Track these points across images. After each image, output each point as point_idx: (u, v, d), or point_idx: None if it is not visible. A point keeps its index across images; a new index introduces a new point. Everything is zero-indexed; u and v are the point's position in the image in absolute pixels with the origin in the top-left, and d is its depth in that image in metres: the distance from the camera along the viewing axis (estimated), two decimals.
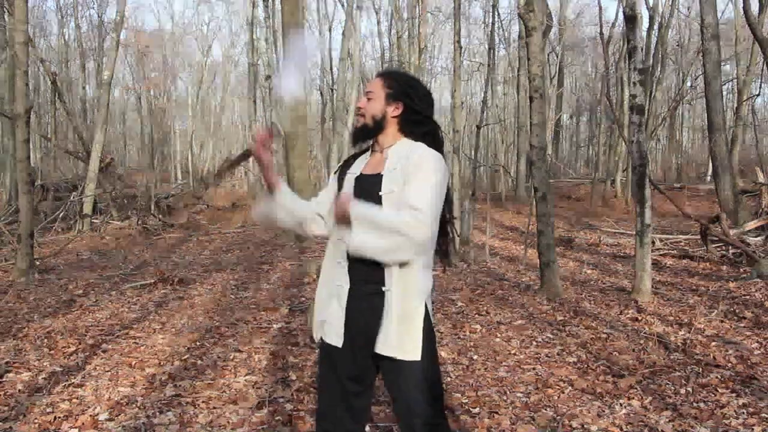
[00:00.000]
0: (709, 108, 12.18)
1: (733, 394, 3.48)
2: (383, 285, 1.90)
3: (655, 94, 18.35)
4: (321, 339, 2.04)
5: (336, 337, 1.98)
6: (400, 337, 1.90)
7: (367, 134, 2.05)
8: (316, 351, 2.15)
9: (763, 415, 3.18)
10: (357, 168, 2.08)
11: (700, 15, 12.53)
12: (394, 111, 2.01)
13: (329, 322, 2.01)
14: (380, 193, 1.94)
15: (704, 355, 4.20)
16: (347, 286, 1.97)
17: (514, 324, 5.31)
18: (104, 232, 12.80)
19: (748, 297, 5.98)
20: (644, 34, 17.66)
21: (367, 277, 1.94)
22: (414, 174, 1.90)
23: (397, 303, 1.89)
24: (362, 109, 2.04)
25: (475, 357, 4.34)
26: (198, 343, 4.75)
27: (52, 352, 4.49)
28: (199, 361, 4.26)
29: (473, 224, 12.01)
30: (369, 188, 1.97)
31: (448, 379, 3.88)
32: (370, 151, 2.09)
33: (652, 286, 6.20)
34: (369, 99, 2.03)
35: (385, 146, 2.04)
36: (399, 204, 1.89)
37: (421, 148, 1.97)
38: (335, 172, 2.18)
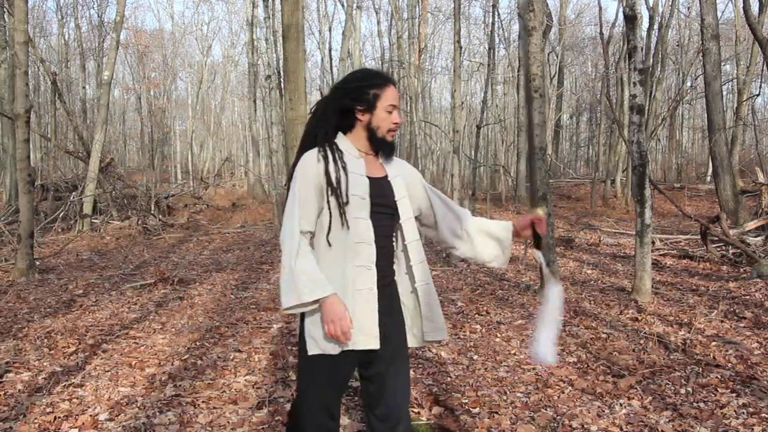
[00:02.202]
0: (709, 108, 12.17)
1: (733, 394, 3.47)
2: (394, 275, 2.09)
3: (655, 94, 18.34)
4: (339, 349, 1.95)
5: (374, 340, 1.96)
6: (440, 318, 2.13)
7: None
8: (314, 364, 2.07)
9: (763, 415, 3.18)
10: (357, 168, 2.00)
11: (700, 15, 12.53)
12: None
13: (358, 328, 1.93)
14: (395, 199, 2.05)
15: (704, 355, 4.20)
16: (376, 288, 1.98)
17: (514, 324, 5.31)
18: (104, 232, 12.80)
19: (748, 297, 5.98)
20: (644, 34, 17.67)
21: (385, 273, 2.04)
22: (419, 180, 2.18)
23: (431, 290, 2.10)
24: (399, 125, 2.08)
25: (475, 357, 4.34)
26: (198, 343, 4.75)
27: (52, 352, 4.49)
28: (199, 361, 4.26)
29: None
30: (384, 193, 2.03)
31: (448, 379, 3.89)
32: (356, 151, 2.03)
33: (652, 286, 6.20)
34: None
35: (370, 150, 2.07)
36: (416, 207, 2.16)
37: (397, 157, 2.17)
38: (337, 171, 1.96)
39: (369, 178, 2.00)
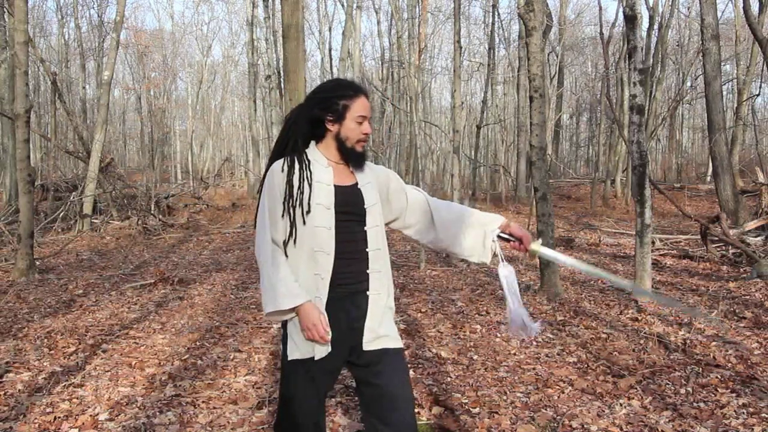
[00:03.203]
0: (709, 108, 12.18)
1: (733, 394, 3.47)
2: (366, 286, 2.02)
3: (655, 94, 18.34)
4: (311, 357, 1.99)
5: (323, 349, 1.97)
6: (393, 328, 2.08)
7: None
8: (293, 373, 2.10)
9: (763, 415, 3.18)
10: (324, 177, 2.02)
11: (700, 15, 12.53)
12: None
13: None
14: (365, 206, 2.04)
15: (704, 355, 4.20)
16: (325, 297, 1.98)
17: None
18: (104, 232, 12.80)
19: (748, 297, 5.98)
20: (644, 34, 17.68)
21: (357, 280, 2.01)
22: (394, 180, 2.18)
23: (384, 300, 2.05)
24: (369, 135, 2.08)
25: (475, 357, 4.34)
26: (198, 343, 4.75)
27: (52, 352, 4.49)
28: (199, 361, 4.26)
29: None
30: (351, 200, 2.03)
31: (448, 379, 3.89)
32: (326, 160, 2.05)
33: (652, 286, 6.20)
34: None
35: (341, 160, 2.07)
36: (389, 213, 2.17)
37: (370, 163, 2.16)
38: (300, 181, 2.00)
39: (336, 186, 2.01)
